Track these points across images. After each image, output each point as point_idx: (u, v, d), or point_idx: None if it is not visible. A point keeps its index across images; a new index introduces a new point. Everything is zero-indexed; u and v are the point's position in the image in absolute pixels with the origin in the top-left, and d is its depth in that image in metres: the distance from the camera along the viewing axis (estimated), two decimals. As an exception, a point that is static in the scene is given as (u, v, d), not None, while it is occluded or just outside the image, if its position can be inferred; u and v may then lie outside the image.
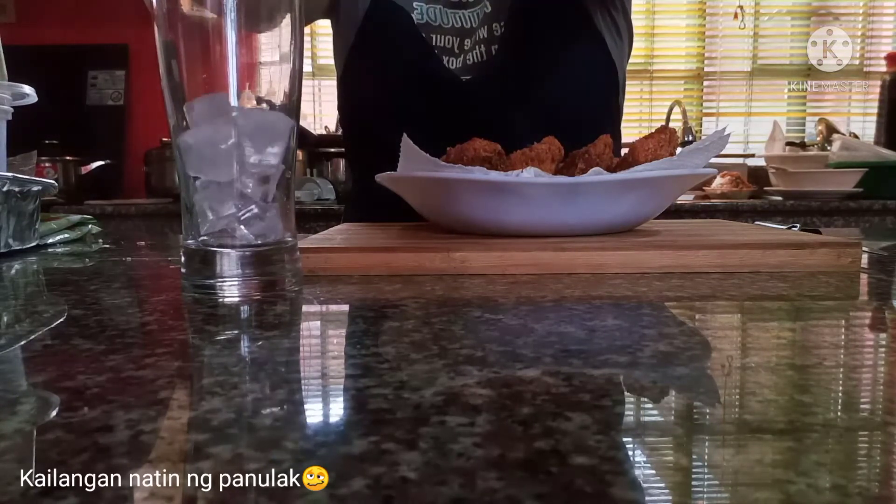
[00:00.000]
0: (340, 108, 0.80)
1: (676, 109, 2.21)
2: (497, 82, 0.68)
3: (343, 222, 0.70)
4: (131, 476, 0.14)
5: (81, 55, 2.24)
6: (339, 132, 2.32)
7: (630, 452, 0.15)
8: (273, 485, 0.13)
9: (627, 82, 0.79)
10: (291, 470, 0.14)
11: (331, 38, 0.80)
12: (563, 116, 0.67)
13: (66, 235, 0.63)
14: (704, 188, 1.96)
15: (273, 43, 0.34)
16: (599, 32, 0.70)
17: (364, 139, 0.76)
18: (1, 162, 0.56)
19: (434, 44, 0.70)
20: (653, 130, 0.48)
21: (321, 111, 2.37)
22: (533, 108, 0.68)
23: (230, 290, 0.33)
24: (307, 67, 2.27)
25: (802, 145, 2.19)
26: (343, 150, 1.99)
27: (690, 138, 2.09)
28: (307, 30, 1.86)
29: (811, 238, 0.42)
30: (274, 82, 0.34)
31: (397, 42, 0.69)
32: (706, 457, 0.15)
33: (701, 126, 2.40)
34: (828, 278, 0.37)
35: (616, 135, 0.78)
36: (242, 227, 0.34)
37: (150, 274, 0.47)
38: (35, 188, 0.54)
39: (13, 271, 0.45)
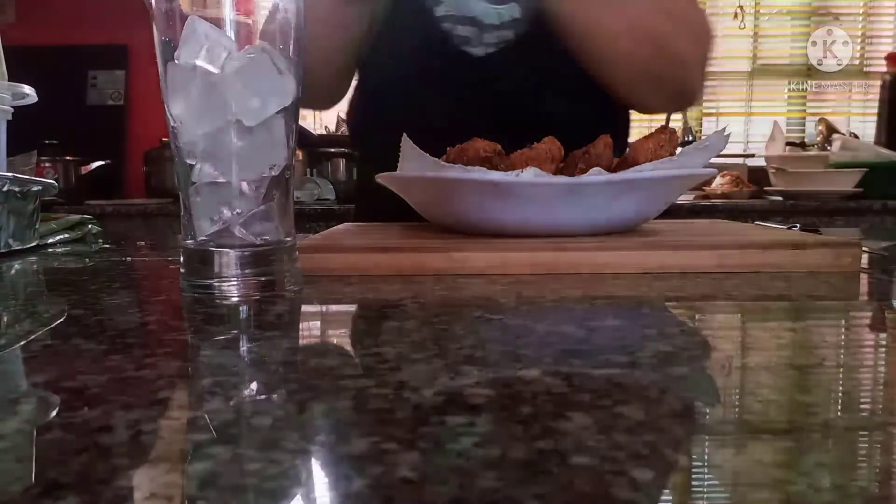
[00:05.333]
0: (354, 105, 0.80)
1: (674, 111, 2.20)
2: (518, 56, 0.68)
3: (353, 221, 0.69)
4: (131, 476, 0.14)
5: (81, 55, 2.24)
6: (340, 132, 2.33)
7: (630, 452, 0.15)
8: (274, 485, 0.13)
9: None
10: (291, 470, 0.14)
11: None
12: (580, 97, 0.66)
13: (66, 235, 0.63)
14: (704, 188, 1.96)
15: (273, 44, 0.34)
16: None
17: (380, 131, 0.76)
18: (1, 162, 0.56)
19: (452, 29, 0.69)
20: (653, 130, 0.48)
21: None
22: (554, 80, 0.68)
23: (229, 291, 0.33)
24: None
25: (802, 145, 2.19)
26: (343, 150, 1.99)
27: (690, 138, 2.09)
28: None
29: (811, 238, 0.42)
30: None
31: (412, 29, 0.69)
32: (706, 457, 0.15)
33: (701, 126, 2.40)
34: (828, 278, 0.37)
35: (624, 138, 0.78)
36: (241, 227, 0.34)
37: (149, 274, 0.47)
38: (35, 188, 0.54)
39: (13, 271, 0.45)
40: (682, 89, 0.66)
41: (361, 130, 0.80)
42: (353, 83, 0.79)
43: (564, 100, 0.66)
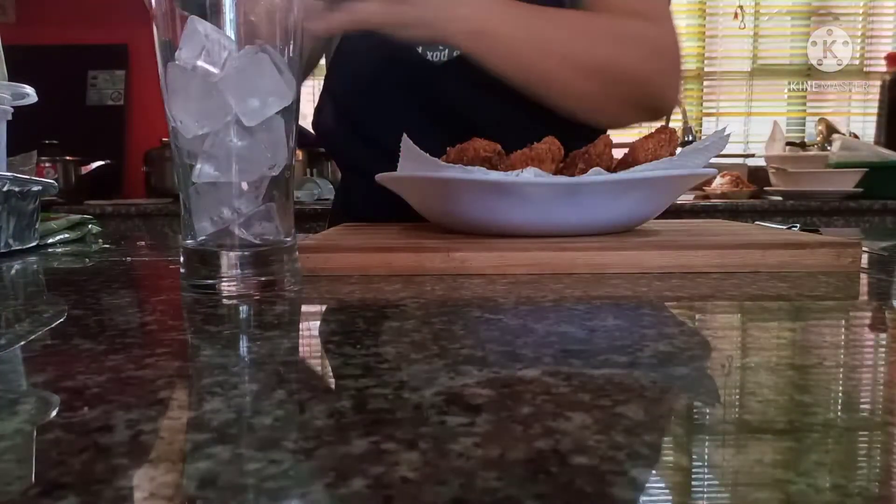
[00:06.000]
0: (320, 110, 0.80)
1: (676, 109, 2.20)
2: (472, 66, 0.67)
3: (330, 224, 0.70)
4: (131, 476, 0.14)
5: (81, 55, 2.24)
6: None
7: (630, 452, 0.15)
8: (274, 484, 0.13)
9: None
10: (291, 470, 0.14)
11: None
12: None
13: (66, 235, 0.63)
14: (704, 188, 1.96)
15: (273, 44, 0.34)
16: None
17: (346, 134, 0.76)
18: (1, 162, 0.56)
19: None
20: (653, 130, 0.48)
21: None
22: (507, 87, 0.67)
23: (229, 291, 0.33)
24: (307, 67, 2.27)
25: (802, 145, 2.19)
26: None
27: (690, 138, 2.09)
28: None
29: (811, 238, 0.42)
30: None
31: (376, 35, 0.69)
32: (706, 457, 0.15)
33: (701, 126, 2.40)
34: (828, 278, 0.37)
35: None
36: (241, 227, 0.34)
37: (149, 274, 0.47)
38: (35, 188, 0.54)
39: (13, 271, 0.45)
40: (647, 105, 0.63)
41: (329, 135, 0.80)
42: (320, 88, 0.79)
43: (513, 107, 0.63)
